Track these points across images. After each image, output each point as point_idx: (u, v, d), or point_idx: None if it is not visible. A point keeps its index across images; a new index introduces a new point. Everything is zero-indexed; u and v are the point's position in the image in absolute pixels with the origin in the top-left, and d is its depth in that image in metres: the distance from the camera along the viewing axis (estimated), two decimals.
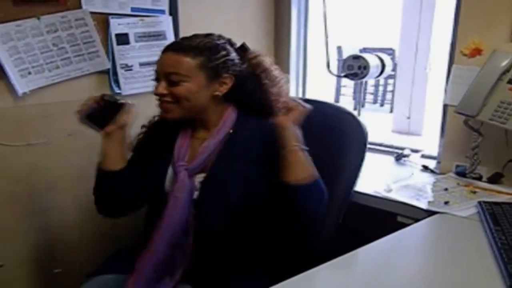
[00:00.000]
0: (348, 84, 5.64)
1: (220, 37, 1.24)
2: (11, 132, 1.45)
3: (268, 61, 1.27)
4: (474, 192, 1.43)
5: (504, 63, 1.35)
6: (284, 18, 2.07)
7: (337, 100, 5.79)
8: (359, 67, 1.83)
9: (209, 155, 1.19)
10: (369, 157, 1.82)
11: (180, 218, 1.17)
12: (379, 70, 1.86)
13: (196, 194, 1.18)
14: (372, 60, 1.83)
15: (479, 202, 1.30)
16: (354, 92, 5.36)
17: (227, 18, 1.94)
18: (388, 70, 1.89)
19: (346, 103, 5.72)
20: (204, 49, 1.18)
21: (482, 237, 1.13)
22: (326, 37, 1.95)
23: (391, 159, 1.83)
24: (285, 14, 2.06)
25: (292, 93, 2.14)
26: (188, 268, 1.16)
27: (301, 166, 1.12)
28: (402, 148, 1.86)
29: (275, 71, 1.28)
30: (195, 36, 1.22)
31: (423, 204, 1.35)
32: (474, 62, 1.46)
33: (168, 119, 1.21)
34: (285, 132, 1.13)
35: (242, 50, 1.24)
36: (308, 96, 2.16)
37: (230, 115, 1.23)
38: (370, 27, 5.92)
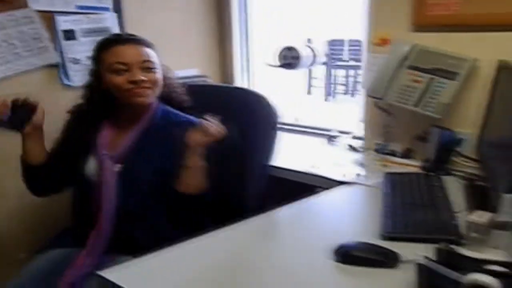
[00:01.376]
0: (319, 77, 5.87)
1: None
2: None
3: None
4: (386, 166, 1.61)
5: (404, 51, 1.53)
6: (226, 16, 2.22)
7: (309, 91, 6.00)
8: (292, 57, 2.00)
9: (130, 145, 1.34)
10: (304, 139, 2.00)
11: (114, 201, 1.31)
12: (311, 60, 2.03)
13: (118, 180, 1.33)
14: (304, 51, 2.00)
15: (386, 173, 1.48)
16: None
17: (172, 16, 2.09)
18: (319, 60, 2.05)
19: (317, 94, 5.95)
20: (151, 43, 1.36)
21: (378, 201, 1.30)
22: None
23: (324, 141, 2.01)
24: (227, 12, 2.22)
25: (238, 85, 2.31)
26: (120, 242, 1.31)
27: (193, 181, 1.29)
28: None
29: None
30: (130, 34, 1.39)
31: (338, 177, 1.52)
32: (383, 51, 1.63)
33: (145, 104, 1.34)
34: (192, 151, 1.27)
35: None
36: (255, 87, 2.33)
37: (153, 107, 1.38)
38: (342, 19, 6.08)
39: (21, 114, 1.30)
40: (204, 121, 1.24)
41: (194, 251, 1.02)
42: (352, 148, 1.85)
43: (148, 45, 1.35)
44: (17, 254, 1.59)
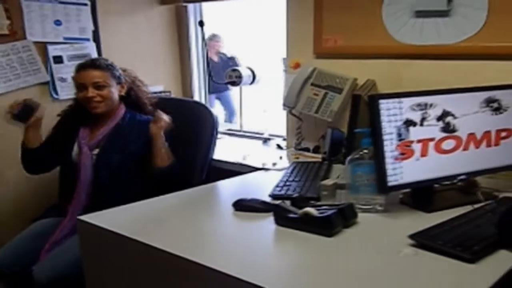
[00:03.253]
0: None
1: (107, 60, 1.93)
2: None
3: (134, 74, 1.98)
4: (298, 158, 2.13)
5: (307, 71, 2.08)
6: (184, 40, 2.77)
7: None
8: (236, 77, 2.54)
9: (103, 137, 1.87)
10: (245, 141, 2.51)
11: (88, 177, 1.84)
12: (251, 79, 2.57)
13: (93, 161, 1.85)
14: (245, 72, 2.54)
15: (293, 162, 2.00)
16: None
17: (140, 44, 2.63)
18: (258, 79, 2.59)
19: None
20: (108, 66, 1.87)
21: (279, 179, 1.81)
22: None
23: (260, 142, 2.54)
24: (184, 37, 2.76)
25: (197, 99, 2.85)
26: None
27: (161, 157, 1.84)
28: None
29: (140, 81, 1.99)
30: (96, 59, 1.91)
31: (258, 165, 2.04)
32: (296, 72, 2.18)
33: (97, 113, 1.86)
34: (156, 137, 1.83)
35: (123, 70, 1.94)
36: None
37: (120, 111, 1.91)
38: None
39: (27, 110, 1.83)
40: (156, 113, 1.81)
41: (143, 205, 1.53)
42: (279, 147, 2.38)
43: (102, 68, 1.86)
44: (16, 224, 2.08)
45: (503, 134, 1.53)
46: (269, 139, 2.51)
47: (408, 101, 1.39)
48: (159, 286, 1.22)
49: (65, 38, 2.32)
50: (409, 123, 1.39)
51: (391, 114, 1.37)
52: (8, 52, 2.14)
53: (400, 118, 1.38)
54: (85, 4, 2.37)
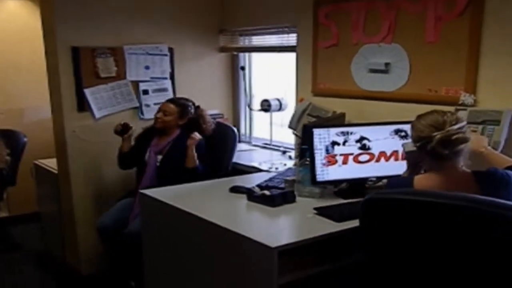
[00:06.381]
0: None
1: (188, 100, 3.02)
2: (91, 134, 3.27)
3: (205, 112, 3.03)
4: (295, 164, 3.01)
5: (305, 105, 2.96)
6: (235, 78, 3.80)
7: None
8: (267, 105, 3.49)
9: (163, 147, 2.94)
10: (270, 153, 3.46)
11: (151, 172, 2.91)
12: (278, 107, 3.50)
13: (157, 164, 2.92)
14: (273, 102, 3.48)
15: (289, 167, 2.89)
16: None
17: (204, 80, 3.70)
18: (284, 107, 3.51)
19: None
20: (181, 104, 2.97)
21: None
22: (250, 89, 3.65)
23: (279, 153, 3.46)
24: (235, 76, 3.79)
25: (242, 120, 3.85)
26: None
27: (189, 161, 2.85)
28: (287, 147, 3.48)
29: (208, 116, 3.03)
30: (178, 98, 3.04)
31: (266, 168, 2.96)
32: (299, 105, 3.07)
33: (156, 127, 2.96)
34: (189, 146, 2.85)
35: (196, 107, 3.00)
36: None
37: (176, 132, 2.96)
38: None
39: (125, 129, 2.99)
40: (193, 134, 2.84)
41: (182, 187, 2.53)
42: (290, 157, 3.28)
43: (176, 104, 2.96)
44: (112, 201, 3.22)
45: None
46: (285, 151, 3.42)
47: (334, 130, 2.25)
48: (191, 238, 2.21)
49: (151, 78, 3.45)
50: (334, 143, 2.25)
51: (322, 138, 2.24)
52: (114, 87, 3.31)
53: (328, 140, 2.24)
54: (166, 55, 3.49)
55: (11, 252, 3.89)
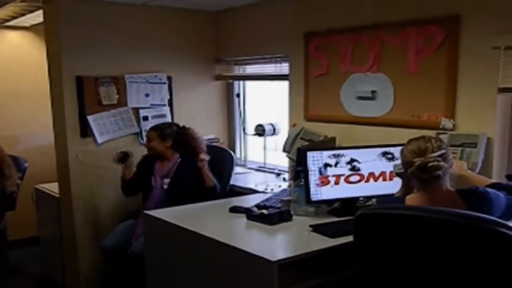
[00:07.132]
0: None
1: (169, 123, 3.24)
2: (93, 159, 3.41)
3: (194, 130, 3.19)
4: (289, 186, 3.18)
5: (298, 129, 3.15)
6: (230, 105, 3.99)
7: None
8: (261, 130, 3.68)
9: (167, 172, 3.09)
10: (264, 175, 3.63)
11: (158, 195, 3.06)
12: (272, 131, 3.69)
13: (165, 187, 3.07)
14: (267, 126, 3.67)
15: (284, 188, 3.06)
16: None
17: (200, 107, 3.89)
18: (277, 131, 3.70)
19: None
20: (159, 129, 3.13)
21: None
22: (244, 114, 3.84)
23: (273, 175, 3.62)
24: (230, 103, 3.99)
25: (237, 145, 4.03)
26: None
27: (208, 179, 3.01)
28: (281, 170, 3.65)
29: (198, 133, 3.19)
30: (157, 125, 3.21)
31: (261, 189, 3.12)
32: (292, 129, 3.26)
33: (150, 153, 3.12)
34: (202, 168, 3.02)
35: (181, 127, 3.17)
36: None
37: (175, 157, 3.13)
38: None
39: (125, 157, 3.14)
40: (201, 155, 3.01)
41: (184, 208, 2.68)
42: (284, 179, 3.45)
43: (155, 130, 3.13)
44: (113, 223, 3.34)
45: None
46: (279, 173, 3.60)
47: (326, 153, 2.44)
48: (193, 253, 2.35)
49: (151, 104, 3.63)
50: (327, 165, 2.43)
51: (315, 160, 2.42)
52: (115, 114, 3.48)
53: (321, 162, 2.42)
54: (165, 83, 3.68)
55: (10, 276, 3.96)
